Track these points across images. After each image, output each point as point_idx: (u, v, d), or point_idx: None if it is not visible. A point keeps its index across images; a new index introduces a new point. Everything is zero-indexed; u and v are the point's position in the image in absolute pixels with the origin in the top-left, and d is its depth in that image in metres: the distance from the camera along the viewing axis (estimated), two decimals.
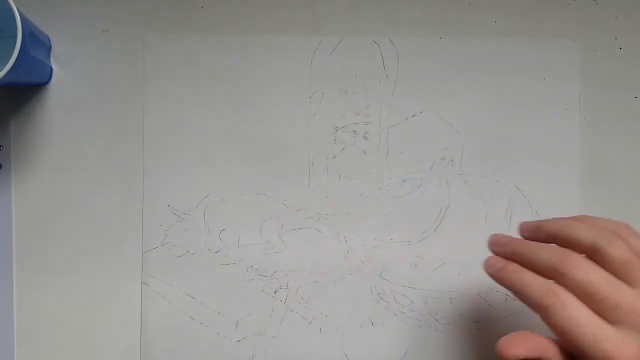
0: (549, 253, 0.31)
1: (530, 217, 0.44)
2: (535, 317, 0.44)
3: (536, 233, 0.34)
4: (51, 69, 0.44)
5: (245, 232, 0.44)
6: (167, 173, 0.44)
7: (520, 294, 0.32)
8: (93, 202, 0.44)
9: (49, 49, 0.44)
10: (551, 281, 0.31)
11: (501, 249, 0.35)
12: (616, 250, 0.30)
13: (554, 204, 0.44)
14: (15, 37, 0.36)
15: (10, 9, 0.37)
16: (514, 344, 0.32)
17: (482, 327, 0.44)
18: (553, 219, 0.34)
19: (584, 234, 0.31)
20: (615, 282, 0.30)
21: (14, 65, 0.36)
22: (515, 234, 0.44)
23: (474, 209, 0.44)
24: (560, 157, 0.44)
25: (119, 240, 0.44)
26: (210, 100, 0.44)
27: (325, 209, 0.44)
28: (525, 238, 0.35)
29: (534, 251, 0.32)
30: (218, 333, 0.44)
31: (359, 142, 0.45)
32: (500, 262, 0.33)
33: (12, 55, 0.36)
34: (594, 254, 0.31)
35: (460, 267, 0.44)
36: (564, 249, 0.31)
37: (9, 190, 0.44)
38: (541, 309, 0.30)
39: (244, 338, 0.44)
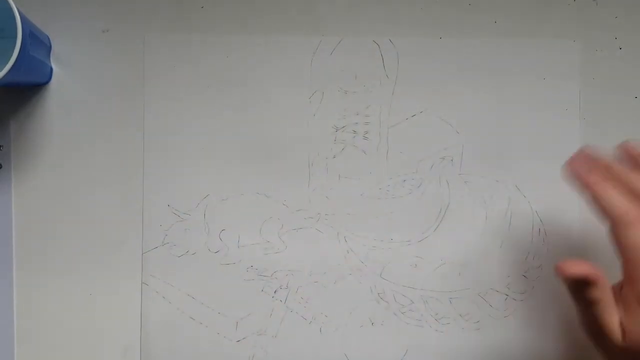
0: (615, 201, 0.34)
1: (530, 217, 0.44)
2: (536, 318, 0.45)
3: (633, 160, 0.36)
4: (51, 69, 0.44)
5: (245, 232, 0.44)
6: (167, 173, 0.44)
7: (602, 204, 0.34)
8: (93, 202, 0.44)
9: (49, 49, 0.44)
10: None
11: (593, 161, 0.36)
12: None
13: (554, 204, 0.44)
14: (15, 37, 0.36)
15: (10, 9, 0.37)
16: (573, 264, 0.34)
17: (482, 327, 0.44)
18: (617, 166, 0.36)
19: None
20: None
21: (14, 65, 0.36)
22: (515, 236, 0.44)
23: (474, 209, 0.44)
24: (560, 157, 0.44)
25: (119, 240, 0.44)
26: (210, 100, 0.44)
27: (325, 209, 0.44)
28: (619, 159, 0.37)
29: (625, 172, 0.35)
30: (218, 333, 0.44)
31: (359, 142, 0.45)
32: (587, 166, 0.35)
33: (12, 55, 0.36)
34: None
35: (460, 267, 0.44)
36: (628, 206, 0.33)
37: (9, 190, 0.44)
38: (620, 224, 0.33)
39: (244, 338, 0.44)
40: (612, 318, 0.34)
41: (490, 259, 0.44)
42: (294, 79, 0.44)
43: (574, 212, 0.44)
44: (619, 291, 0.35)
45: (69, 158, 0.44)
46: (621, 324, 0.33)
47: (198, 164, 0.44)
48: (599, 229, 0.44)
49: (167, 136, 0.44)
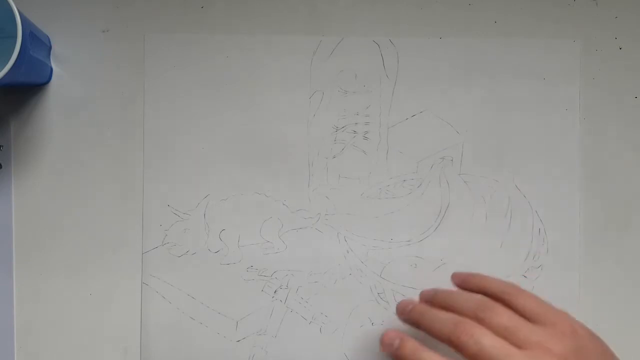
0: (444, 325, 0.34)
1: (530, 217, 0.44)
2: None
3: (433, 300, 0.38)
4: (51, 69, 0.44)
5: (245, 232, 0.44)
6: (167, 173, 0.44)
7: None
8: (93, 202, 0.44)
9: (49, 49, 0.44)
10: None
11: (405, 317, 0.38)
12: (498, 320, 0.33)
13: (554, 204, 0.44)
14: (15, 37, 0.36)
15: (10, 9, 0.37)
16: None
17: None
18: (442, 291, 0.38)
19: (462, 305, 0.35)
20: (504, 345, 0.32)
21: (14, 65, 0.36)
22: (515, 236, 0.44)
23: (474, 209, 0.44)
24: (560, 157, 0.44)
25: (119, 240, 0.44)
26: (210, 100, 0.44)
27: (325, 209, 0.44)
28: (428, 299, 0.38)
29: (431, 322, 0.35)
30: (218, 333, 0.44)
31: (359, 142, 0.45)
32: (397, 340, 0.35)
33: (12, 55, 0.36)
34: (480, 322, 0.34)
35: (460, 267, 0.44)
36: (459, 318, 0.34)
37: (9, 190, 0.44)
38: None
39: (244, 338, 0.44)
40: None
41: (490, 259, 0.44)
42: (294, 79, 0.44)
43: (574, 212, 0.44)
44: None
45: (69, 158, 0.44)
46: None
47: (198, 164, 0.44)
48: (599, 229, 0.44)
49: (167, 136, 0.44)
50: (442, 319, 0.35)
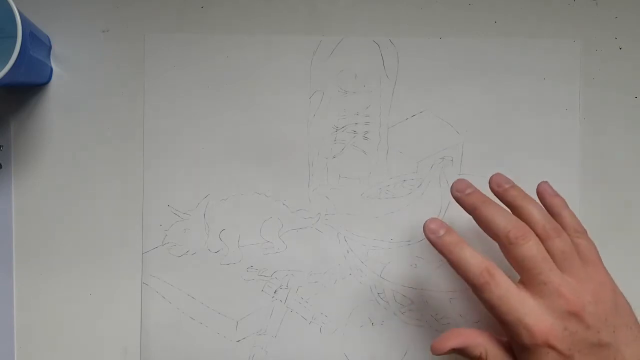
0: (508, 222, 0.35)
1: None
2: None
3: (500, 196, 0.38)
4: (51, 69, 0.44)
5: (245, 232, 0.44)
6: (167, 173, 0.44)
7: (458, 268, 0.35)
8: (93, 202, 0.44)
9: (49, 49, 0.44)
10: (487, 260, 0.35)
11: (462, 197, 0.37)
12: (559, 243, 0.35)
13: None
14: (15, 37, 0.36)
15: (10, 9, 0.37)
16: (441, 340, 0.35)
17: (481, 327, 0.44)
18: (516, 190, 0.38)
19: (538, 217, 0.36)
20: (550, 263, 0.34)
21: (14, 65, 0.36)
22: None
23: None
24: (560, 157, 0.44)
25: (119, 240, 0.44)
26: (210, 100, 0.44)
27: (325, 209, 0.44)
28: (492, 190, 0.38)
29: (494, 214, 0.36)
30: (218, 333, 0.44)
31: (359, 142, 0.45)
32: (442, 229, 0.36)
33: (12, 55, 0.36)
34: (541, 238, 0.35)
35: None
36: (522, 223, 0.35)
37: (9, 191, 0.44)
38: (476, 287, 0.34)
39: (244, 338, 0.44)
40: None
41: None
42: (294, 79, 0.44)
43: (574, 211, 0.44)
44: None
45: (69, 158, 0.44)
46: None
47: (198, 164, 0.44)
48: (599, 229, 0.44)
49: (167, 136, 0.44)
50: (505, 215, 0.35)
